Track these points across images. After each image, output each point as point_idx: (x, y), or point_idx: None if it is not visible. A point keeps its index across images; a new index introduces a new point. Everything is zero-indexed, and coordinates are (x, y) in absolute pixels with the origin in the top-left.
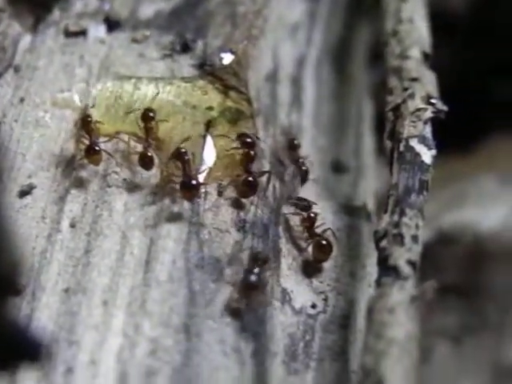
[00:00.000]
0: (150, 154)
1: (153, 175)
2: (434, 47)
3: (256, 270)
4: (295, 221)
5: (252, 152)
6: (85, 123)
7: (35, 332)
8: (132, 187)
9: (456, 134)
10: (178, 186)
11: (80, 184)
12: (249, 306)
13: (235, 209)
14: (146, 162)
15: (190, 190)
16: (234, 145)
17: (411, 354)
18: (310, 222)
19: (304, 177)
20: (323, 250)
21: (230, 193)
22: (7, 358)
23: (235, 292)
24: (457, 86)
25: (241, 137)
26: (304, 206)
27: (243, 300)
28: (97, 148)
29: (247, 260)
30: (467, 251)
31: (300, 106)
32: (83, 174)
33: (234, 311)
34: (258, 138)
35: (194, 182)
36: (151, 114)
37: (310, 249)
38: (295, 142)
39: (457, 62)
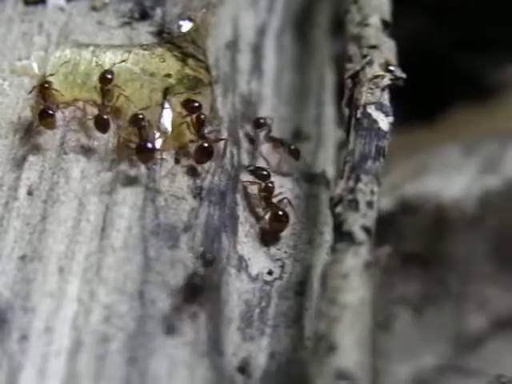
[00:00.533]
0: (105, 116)
1: (110, 141)
2: (398, 17)
3: (201, 271)
4: (253, 189)
5: (201, 116)
6: (42, 89)
7: None
8: (89, 154)
9: (419, 105)
10: (134, 151)
11: (37, 151)
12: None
13: (191, 176)
14: (101, 124)
15: (146, 152)
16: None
17: (364, 319)
18: (267, 192)
19: (297, 156)
20: (280, 221)
21: (187, 160)
22: None
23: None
24: (420, 57)
25: (185, 104)
26: (262, 174)
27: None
28: (50, 112)
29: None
30: (429, 220)
31: (260, 74)
32: (41, 141)
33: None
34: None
35: (149, 145)
36: (109, 76)
37: (267, 218)
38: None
39: (421, 33)
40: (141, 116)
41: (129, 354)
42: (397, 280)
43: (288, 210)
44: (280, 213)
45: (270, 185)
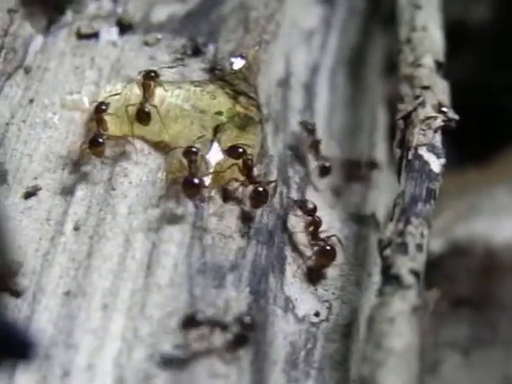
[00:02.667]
0: (146, 109)
1: (158, 178)
2: (452, 57)
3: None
4: (300, 226)
5: (249, 161)
6: (98, 111)
7: (30, 332)
8: (137, 190)
9: (471, 146)
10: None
11: (85, 186)
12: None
13: (243, 220)
14: (142, 117)
15: (192, 187)
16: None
17: (411, 365)
18: (314, 226)
19: (327, 172)
20: (326, 256)
21: (236, 202)
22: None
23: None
24: (473, 98)
25: (229, 151)
26: (309, 208)
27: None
28: (100, 140)
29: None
30: (480, 263)
31: (312, 112)
32: (89, 176)
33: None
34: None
35: (196, 180)
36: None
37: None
38: (316, 137)
39: (474, 74)
40: (194, 149)
41: None
42: (446, 322)
43: (337, 247)
44: (327, 247)
45: (316, 219)
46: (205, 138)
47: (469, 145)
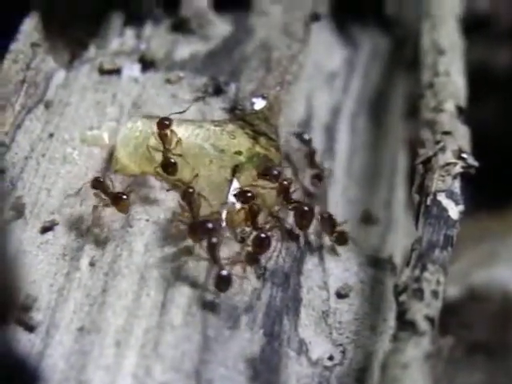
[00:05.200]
0: (172, 160)
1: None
2: (477, 102)
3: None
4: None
5: (254, 206)
6: (161, 126)
7: (40, 368)
8: (153, 228)
9: (490, 192)
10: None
11: (102, 223)
12: None
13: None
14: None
15: (196, 231)
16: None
17: None
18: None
19: (320, 179)
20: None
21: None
22: None
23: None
24: (491, 144)
25: (266, 172)
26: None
27: None
28: (124, 197)
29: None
30: (496, 309)
31: (332, 155)
32: (107, 213)
33: None
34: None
35: (205, 224)
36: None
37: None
38: (312, 148)
39: (493, 119)
40: (191, 190)
41: None
42: (461, 368)
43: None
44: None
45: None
46: (221, 179)
47: (487, 191)
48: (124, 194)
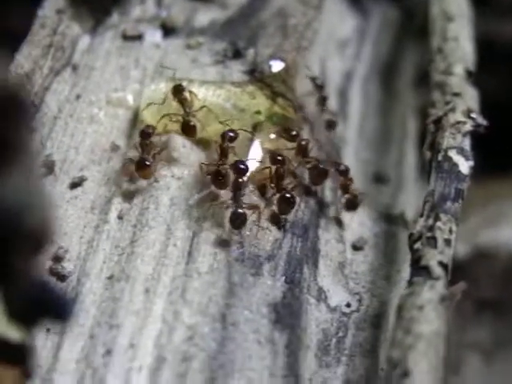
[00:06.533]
0: (191, 123)
1: (199, 172)
2: (483, 73)
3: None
4: None
5: (307, 143)
6: (177, 91)
7: (63, 292)
8: (179, 183)
9: (498, 157)
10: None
11: (129, 178)
12: None
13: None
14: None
15: (219, 179)
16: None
17: (438, 350)
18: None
19: (333, 126)
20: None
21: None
22: (34, 315)
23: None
24: (498, 111)
25: (285, 133)
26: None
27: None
28: (147, 163)
29: None
30: (503, 267)
31: (345, 117)
32: (133, 168)
33: None
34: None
35: (223, 171)
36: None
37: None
38: (324, 93)
39: (502, 86)
40: (232, 134)
41: (209, 374)
42: (469, 325)
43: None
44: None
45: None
46: (242, 137)
47: (494, 155)
48: (147, 160)
